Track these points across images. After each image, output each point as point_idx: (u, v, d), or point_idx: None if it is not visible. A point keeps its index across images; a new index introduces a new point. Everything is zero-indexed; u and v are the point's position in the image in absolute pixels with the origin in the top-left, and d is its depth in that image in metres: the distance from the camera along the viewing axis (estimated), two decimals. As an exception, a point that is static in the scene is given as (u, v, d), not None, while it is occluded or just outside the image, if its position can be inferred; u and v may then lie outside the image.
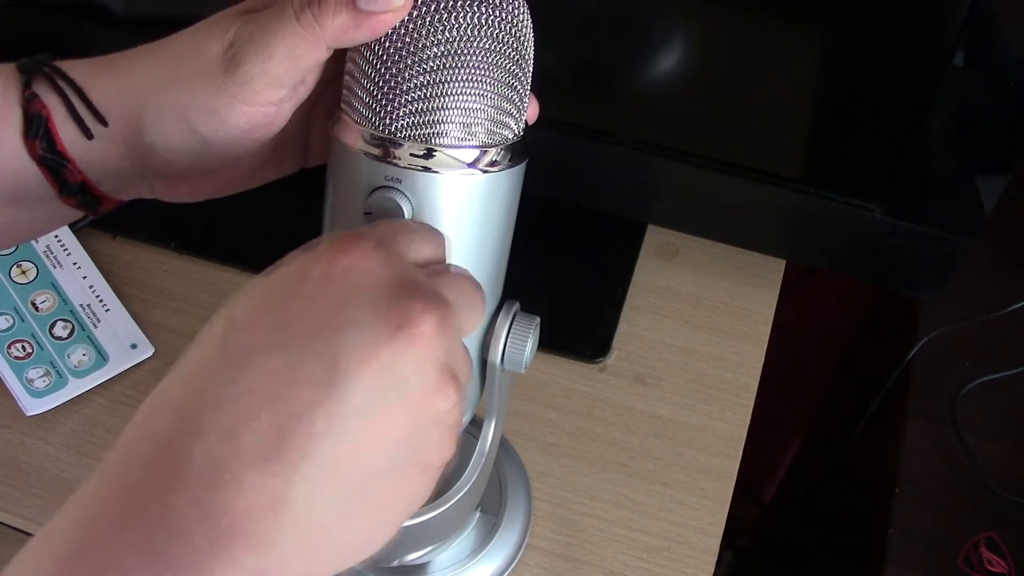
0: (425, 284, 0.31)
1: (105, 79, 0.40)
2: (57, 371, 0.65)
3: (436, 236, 0.36)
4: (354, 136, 0.38)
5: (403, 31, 0.37)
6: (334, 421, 0.28)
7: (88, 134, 0.40)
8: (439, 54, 0.37)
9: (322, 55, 0.38)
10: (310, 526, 0.28)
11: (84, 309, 0.69)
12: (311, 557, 0.28)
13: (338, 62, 0.39)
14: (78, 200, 0.42)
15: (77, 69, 0.41)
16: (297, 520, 0.28)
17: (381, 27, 0.36)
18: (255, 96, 0.38)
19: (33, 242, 0.71)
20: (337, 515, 0.29)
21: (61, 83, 0.40)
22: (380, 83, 0.37)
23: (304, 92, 0.40)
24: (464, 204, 0.38)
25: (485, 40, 0.37)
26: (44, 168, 0.40)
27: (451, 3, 0.36)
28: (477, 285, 0.36)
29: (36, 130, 0.40)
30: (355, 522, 0.29)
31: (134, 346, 0.67)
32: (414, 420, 0.30)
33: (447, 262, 0.37)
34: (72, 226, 0.72)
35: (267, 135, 0.40)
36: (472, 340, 0.42)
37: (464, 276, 0.35)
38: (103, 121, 0.40)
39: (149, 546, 0.27)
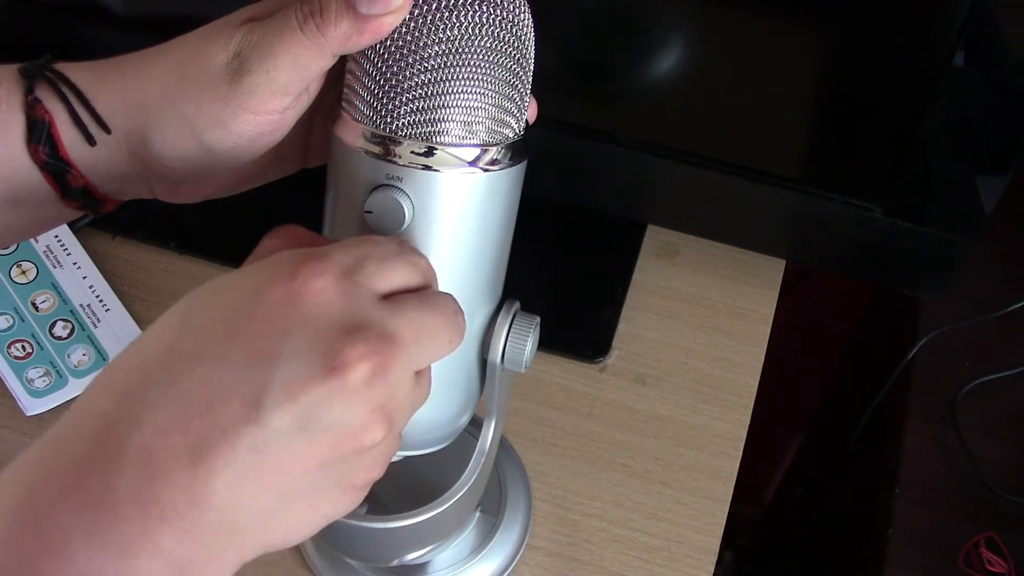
0: (376, 324, 0.32)
1: (109, 87, 0.40)
2: (57, 371, 0.65)
3: (412, 260, 0.36)
4: (355, 134, 0.38)
5: (404, 30, 0.37)
6: (257, 441, 0.30)
7: (91, 140, 0.40)
8: (440, 52, 0.37)
9: (326, 63, 0.38)
10: (230, 526, 0.30)
11: (84, 309, 0.69)
12: (229, 547, 0.31)
13: (339, 66, 0.39)
14: (80, 203, 0.42)
15: (79, 74, 0.40)
16: (219, 519, 0.30)
17: (383, 30, 0.36)
18: (260, 105, 0.38)
19: (33, 242, 0.71)
20: (256, 520, 0.31)
21: (64, 89, 0.40)
22: (381, 81, 0.37)
23: (308, 99, 0.40)
24: (464, 203, 0.38)
25: (486, 39, 0.37)
26: (47, 173, 0.40)
27: (453, 2, 0.37)
28: (453, 309, 0.35)
29: (39, 136, 0.40)
30: (273, 527, 0.32)
31: (134, 346, 0.67)
32: (336, 451, 0.32)
33: (429, 282, 0.36)
34: (72, 226, 0.72)
35: (271, 142, 0.40)
36: (472, 340, 0.42)
37: (433, 304, 0.35)
38: (107, 128, 0.40)
39: (90, 515, 0.29)
